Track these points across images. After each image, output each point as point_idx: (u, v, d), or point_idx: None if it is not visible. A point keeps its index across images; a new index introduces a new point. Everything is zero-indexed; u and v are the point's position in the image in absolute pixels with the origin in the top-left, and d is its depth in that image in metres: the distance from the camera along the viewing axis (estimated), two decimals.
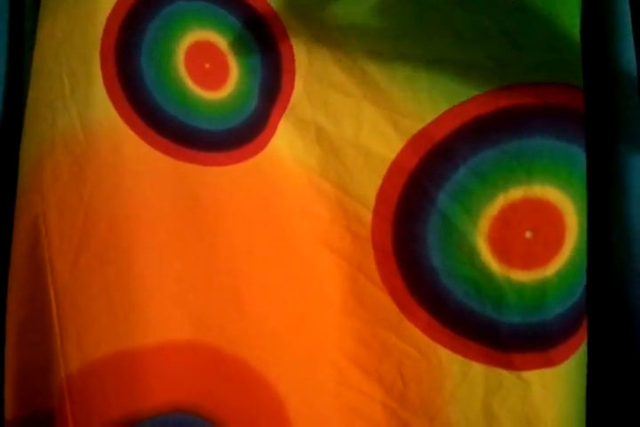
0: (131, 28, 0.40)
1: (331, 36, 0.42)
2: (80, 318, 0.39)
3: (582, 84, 0.43)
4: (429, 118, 0.42)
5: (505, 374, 0.43)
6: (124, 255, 0.39)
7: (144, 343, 0.39)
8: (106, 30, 0.40)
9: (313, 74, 0.43)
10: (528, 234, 0.42)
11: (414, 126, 0.42)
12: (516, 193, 0.42)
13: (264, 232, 0.42)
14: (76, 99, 0.40)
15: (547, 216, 0.42)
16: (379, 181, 0.43)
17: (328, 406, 0.43)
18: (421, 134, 0.42)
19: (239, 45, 0.41)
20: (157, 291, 0.40)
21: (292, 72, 0.42)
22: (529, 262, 0.42)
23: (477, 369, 0.43)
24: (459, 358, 0.43)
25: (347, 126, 0.43)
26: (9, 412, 0.42)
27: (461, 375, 0.43)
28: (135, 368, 0.39)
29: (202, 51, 0.41)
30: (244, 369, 0.41)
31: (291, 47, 0.42)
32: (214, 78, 0.41)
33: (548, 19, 0.43)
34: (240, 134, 0.42)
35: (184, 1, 0.41)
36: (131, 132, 0.40)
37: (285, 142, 0.42)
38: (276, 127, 0.42)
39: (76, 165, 0.39)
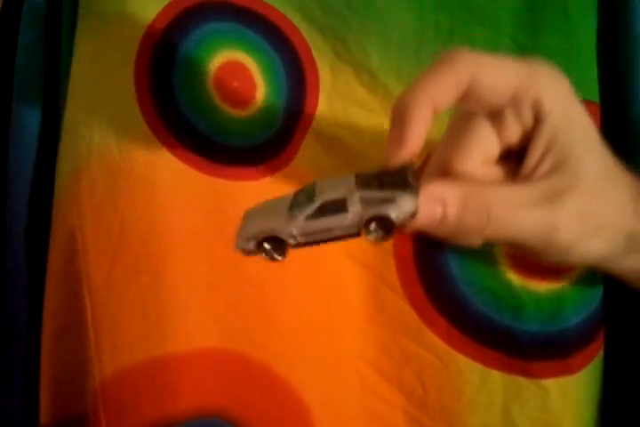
0: (162, 50, 0.41)
1: (353, 53, 0.43)
2: (114, 326, 0.41)
3: (598, 100, 0.44)
4: None
5: (524, 381, 0.43)
6: (157, 265, 0.41)
7: (175, 350, 0.41)
8: (139, 52, 0.41)
9: (336, 91, 0.44)
10: None
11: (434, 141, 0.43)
12: None
13: None
14: (111, 117, 0.41)
15: None
16: None
17: (351, 412, 0.44)
18: None
19: (265, 64, 0.43)
20: (188, 300, 0.41)
21: (316, 89, 0.44)
22: (546, 273, 0.43)
23: (496, 377, 0.43)
24: (478, 365, 0.43)
25: (369, 142, 0.44)
26: (44, 416, 0.44)
27: (480, 383, 0.44)
28: (166, 374, 0.40)
29: (230, 70, 0.42)
30: (271, 375, 0.42)
31: (315, 65, 0.44)
32: (242, 96, 0.42)
33: (564, 36, 0.44)
34: (266, 150, 0.43)
35: (213, 22, 0.42)
36: (163, 149, 0.41)
37: (310, 157, 0.44)
38: (300, 143, 0.44)
39: (110, 180, 0.41)
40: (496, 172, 0.35)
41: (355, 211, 0.32)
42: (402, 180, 0.33)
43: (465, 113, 0.34)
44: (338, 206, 0.32)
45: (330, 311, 0.44)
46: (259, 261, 0.43)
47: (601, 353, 0.45)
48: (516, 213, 0.32)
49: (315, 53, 0.44)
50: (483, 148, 0.34)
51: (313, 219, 0.32)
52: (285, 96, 0.43)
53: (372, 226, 0.32)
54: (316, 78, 0.44)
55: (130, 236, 0.41)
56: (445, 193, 0.32)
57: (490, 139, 0.34)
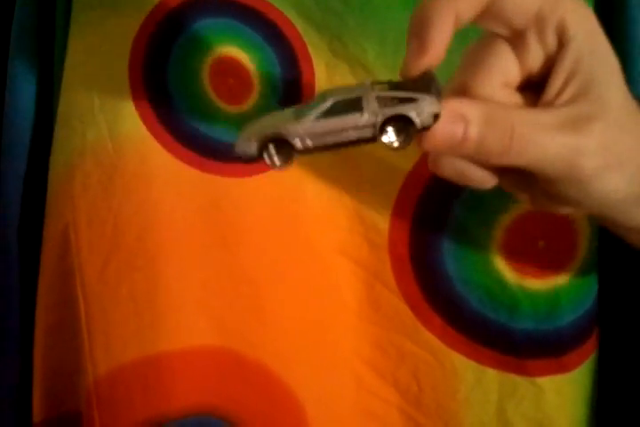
0: (157, 45, 0.41)
1: (349, 50, 0.43)
2: (108, 323, 0.41)
3: None
4: None
5: (519, 379, 0.43)
6: (152, 262, 0.41)
7: (169, 348, 0.40)
8: (133, 48, 0.41)
9: None
10: (541, 243, 0.43)
11: None
12: None
13: (284, 241, 0.43)
14: (106, 112, 0.41)
15: (559, 225, 0.43)
16: (395, 192, 0.44)
17: (346, 411, 0.44)
18: None
19: (261, 61, 0.43)
20: (182, 297, 0.41)
21: (312, 86, 0.44)
22: (542, 271, 0.43)
23: (491, 375, 0.43)
24: (473, 363, 0.43)
25: None
26: (37, 414, 0.44)
27: (475, 381, 0.43)
28: (160, 372, 0.40)
29: (226, 66, 0.42)
30: (266, 374, 0.42)
31: (310, 62, 0.44)
32: (237, 93, 0.42)
33: None
34: None
35: (209, 18, 0.42)
36: (158, 145, 0.41)
37: None
38: None
39: (105, 177, 0.41)
40: (515, 99, 0.33)
41: (371, 109, 0.28)
42: (424, 85, 0.30)
43: (484, 39, 0.33)
44: (352, 105, 0.29)
45: (325, 309, 0.44)
46: (253, 258, 0.43)
47: (595, 352, 0.45)
48: (540, 134, 0.30)
49: (311, 50, 0.43)
50: (503, 70, 0.32)
51: (323, 118, 0.29)
52: (281, 93, 0.43)
53: (390, 129, 0.29)
54: (312, 75, 0.44)
55: (124, 232, 0.41)
56: (467, 110, 0.30)
57: (511, 62, 0.32)
